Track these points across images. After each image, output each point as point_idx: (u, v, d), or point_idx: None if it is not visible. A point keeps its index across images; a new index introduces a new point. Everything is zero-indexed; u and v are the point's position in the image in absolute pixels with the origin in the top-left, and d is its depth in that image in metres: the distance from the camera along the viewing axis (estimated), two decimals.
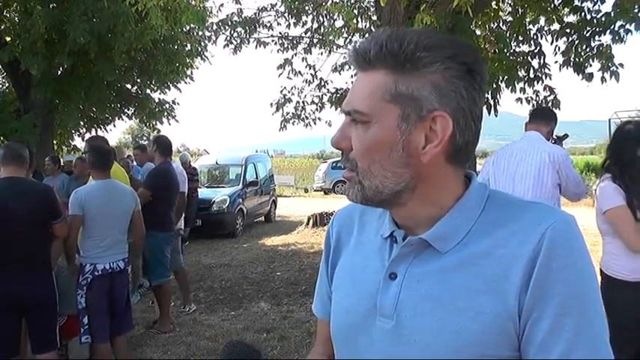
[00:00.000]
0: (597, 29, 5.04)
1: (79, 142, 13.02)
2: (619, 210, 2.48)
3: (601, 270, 2.65)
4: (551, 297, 0.71)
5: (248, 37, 7.23)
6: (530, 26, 5.51)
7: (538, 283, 0.71)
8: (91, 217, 3.54)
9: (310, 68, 7.38)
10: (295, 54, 7.46)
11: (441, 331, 0.75)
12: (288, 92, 7.44)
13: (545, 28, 5.48)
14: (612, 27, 4.95)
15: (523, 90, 5.37)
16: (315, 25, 7.40)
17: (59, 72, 10.56)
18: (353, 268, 0.91)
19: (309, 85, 7.42)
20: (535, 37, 5.49)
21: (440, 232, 0.79)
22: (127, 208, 3.76)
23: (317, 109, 7.43)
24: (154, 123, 12.62)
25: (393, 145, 0.76)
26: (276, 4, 7.25)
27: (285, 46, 7.50)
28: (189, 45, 10.80)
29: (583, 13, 5.15)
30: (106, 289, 3.57)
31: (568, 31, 5.20)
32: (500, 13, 5.71)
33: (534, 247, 0.72)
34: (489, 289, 0.74)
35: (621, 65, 4.89)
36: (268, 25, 7.33)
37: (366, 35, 5.73)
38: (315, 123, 7.49)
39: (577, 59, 5.11)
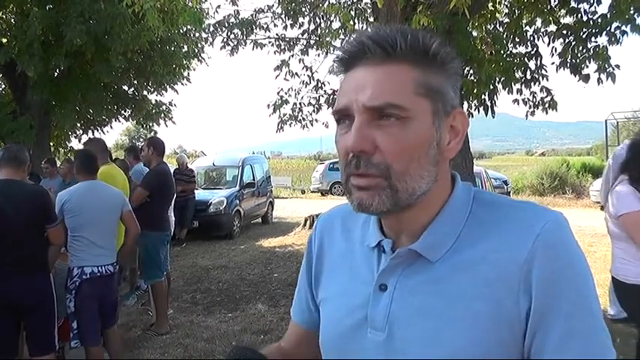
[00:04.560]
0: (593, 31, 5.05)
1: (75, 144, 13.01)
2: (636, 215, 2.37)
3: (612, 277, 2.61)
4: (559, 298, 0.70)
5: (245, 38, 7.21)
6: (527, 28, 5.52)
7: (542, 285, 0.70)
8: (74, 216, 3.46)
9: (307, 70, 7.37)
10: (292, 55, 7.45)
11: (436, 341, 0.73)
12: (285, 94, 7.42)
13: (542, 30, 5.49)
14: (608, 28, 4.95)
15: (520, 91, 5.38)
16: (312, 27, 7.39)
17: (56, 73, 10.54)
18: (341, 278, 0.88)
19: (306, 86, 7.40)
20: (532, 38, 5.49)
21: (429, 241, 0.76)
22: (114, 208, 3.66)
23: (314, 111, 7.41)
24: (150, 124, 12.62)
25: (431, 141, 0.74)
26: (273, 5, 7.25)
27: (282, 47, 7.50)
28: (186, 46, 10.81)
29: (579, 15, 5.16)
30: (95, 293, 3.49)
31: (564, 32, 5.20)
32: (497, 15, 5.71)
33: (529, 249, 0.70)
34: (483, 295, 0.71)
35: (617, 66, 4.89)
36: (265, 26, 7.32)
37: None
38: (312, 124, 7.47)
39: (574, 60, 5.12)
